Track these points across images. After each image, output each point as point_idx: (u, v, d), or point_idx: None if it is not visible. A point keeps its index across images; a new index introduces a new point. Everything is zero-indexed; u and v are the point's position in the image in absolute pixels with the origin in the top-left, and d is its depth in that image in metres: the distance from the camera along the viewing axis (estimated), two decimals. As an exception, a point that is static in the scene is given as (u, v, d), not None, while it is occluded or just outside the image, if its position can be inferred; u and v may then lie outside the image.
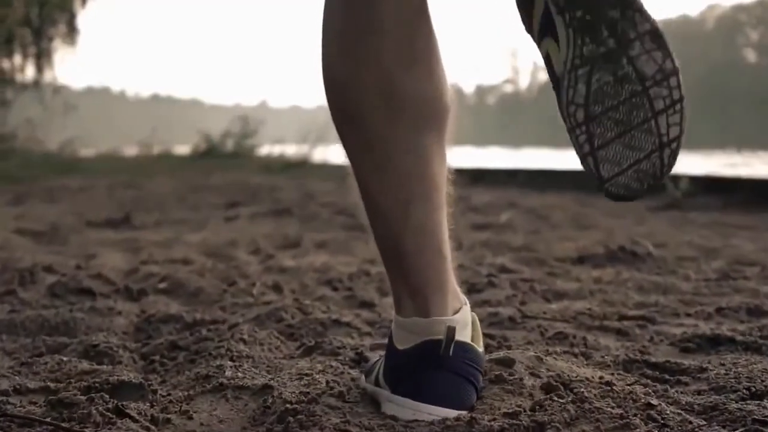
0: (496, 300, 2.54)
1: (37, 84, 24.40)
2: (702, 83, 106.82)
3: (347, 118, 1.62)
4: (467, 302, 1.67)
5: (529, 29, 1.58)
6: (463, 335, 1.59)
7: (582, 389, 1.55)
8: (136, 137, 22.00)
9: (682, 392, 1.66)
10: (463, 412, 1.52)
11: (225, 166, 15.24)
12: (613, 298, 2.62)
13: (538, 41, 1.57)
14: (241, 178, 12.12)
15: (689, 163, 11.03)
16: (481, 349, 1.63)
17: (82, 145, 21.61)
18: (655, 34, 1.50)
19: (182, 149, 20.71)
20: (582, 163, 1.52)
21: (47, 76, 25.12)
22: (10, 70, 24.55)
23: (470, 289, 2.77)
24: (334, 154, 16.76)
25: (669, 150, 1.51)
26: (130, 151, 21.58)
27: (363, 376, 1.75)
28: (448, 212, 1.64)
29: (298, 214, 6.36)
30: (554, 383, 1.61)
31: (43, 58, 24.81)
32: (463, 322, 1.60)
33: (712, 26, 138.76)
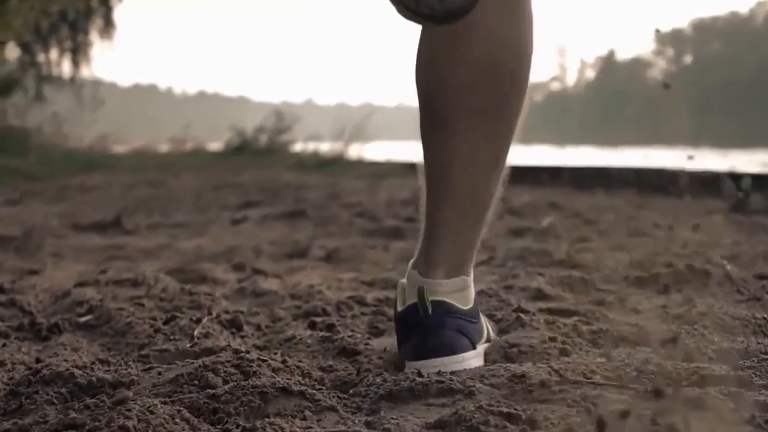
0: (524, 349, 1.81)
1: (72, 80, 24.02)
2: (752, 80, 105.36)
3: (440, 124, 1.73)
4: (471, 276, 1.85)
5: None
6: (451, 298, 1.76)
7: None
8: (174, 134, 21.51)
9: None
10: (460, 356, 1.71)
11: (257, 163, 14.62)
12: (688, 345, 1.89)
13: None
14: (271, 175, 11.49)
15: (749, 161, 10.30)
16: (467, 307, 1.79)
17: (116, 141, 21.16)
18: None
19: (217, 145, 20.20)
20: None
21: (84, 71, 24.76)
22: (46, 64, 24.17)
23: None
24: (370, 150, 16.16)
25: None
26: (164, 147, 21.09)
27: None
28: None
29: (314, 216, 5.67)
30: None
31: (79, 53, 24.42)
32: (455, 288, 1.77)
33: (761, 23, 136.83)
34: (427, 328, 1.72)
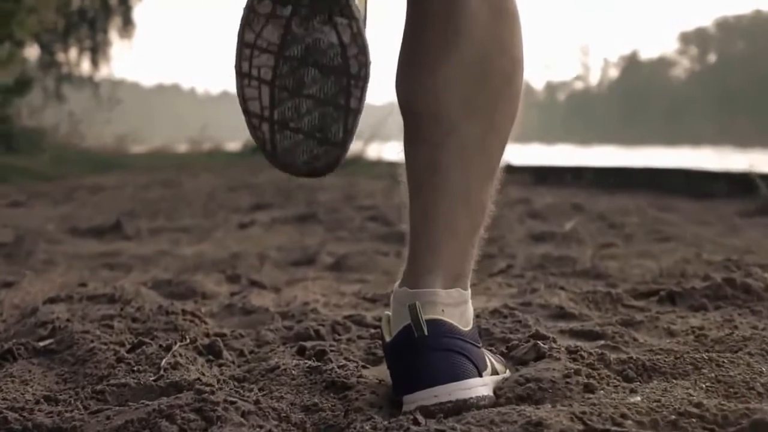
0: (542, 385, 1.54)
1: (91, 79, 23.87)
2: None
3: (422, 140, 1.62)
4: (469, 291, 1.64)
5: None
6: (448, 315, 1.55)
7: None
8: (193, 134, 21.33)
9: None
10: (465, 382, 1.49)
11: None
12: (733, 377, 1.62)
13: None
14: (287, 175, 11.22)
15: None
16: (467, 328, 1.58)
17: (134, 141, 21.00)
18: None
19: (235, 145, 19.99)
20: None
21: (103, 70, 24.63)
22: (66, 64, 24.02)
23: (505, 356, 1.80)
24: (389, 150, 15.87)
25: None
26: (182, 147, 20.90)
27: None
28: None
29: (325, 219, 5.41)
30: None
31: (98, 52, 24.28)
32: (451, 301, 1.56)
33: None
34: (422, 351, 1.50)
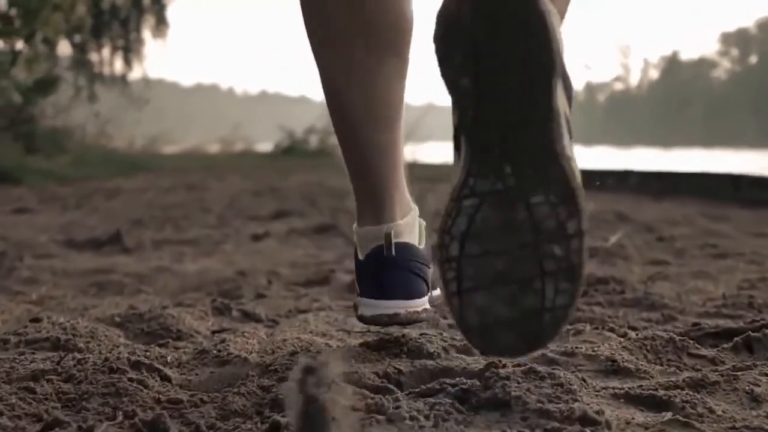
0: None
1: (124, 78, 23.64)
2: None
3: (327, 42, 1.76)
4: (416, 208, 1.94)
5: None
6: (410, 238, 1.86)
7: None
8: (225, 134, 21.06)
9: None
10: (416, 301, 1.83)
11: (306, 166, 13.99)
12: None
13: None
14: (317, 179, 10.83)
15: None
16: (422, 245, 1.88)
17: (166, 141, 20.75)
18: (566, 186, 1.32)
19: (266, 146, 19.67)
20: (446, 300, 1.41)
21: (136, 70, 24.43)
22: (98, 63, 23.80)
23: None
24: (424, 152, 15.42)
25: (550, 316, 1.33)
26: (214, 148, 20.61)
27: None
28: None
29: (347, 230, 4.96)
30: None
31: (131, 51, 24.06)
32: (409, 225, 1.86)
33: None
34: (388, 268, 1.82)
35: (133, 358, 1.74)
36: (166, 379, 1.71)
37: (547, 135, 1.33)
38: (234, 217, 6.00)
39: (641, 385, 1.69)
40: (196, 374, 1.78)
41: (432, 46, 1.36)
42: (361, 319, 1.84)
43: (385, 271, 1.81)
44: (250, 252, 4.33)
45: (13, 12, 13.56)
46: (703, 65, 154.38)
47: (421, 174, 10.77)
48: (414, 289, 1.83)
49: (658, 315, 2.55)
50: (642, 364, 1.81)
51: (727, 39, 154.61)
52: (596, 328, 2.12)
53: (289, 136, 17.93)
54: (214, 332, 2.24)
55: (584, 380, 1.67)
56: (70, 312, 2.58)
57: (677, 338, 1.95)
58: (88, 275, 3.64)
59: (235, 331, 2.13)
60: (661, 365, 1.85)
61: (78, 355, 1.75)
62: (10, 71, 13.01)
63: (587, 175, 5.74)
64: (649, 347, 1.91)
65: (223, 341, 1.97)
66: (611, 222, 5.57)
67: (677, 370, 1.82)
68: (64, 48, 21.45)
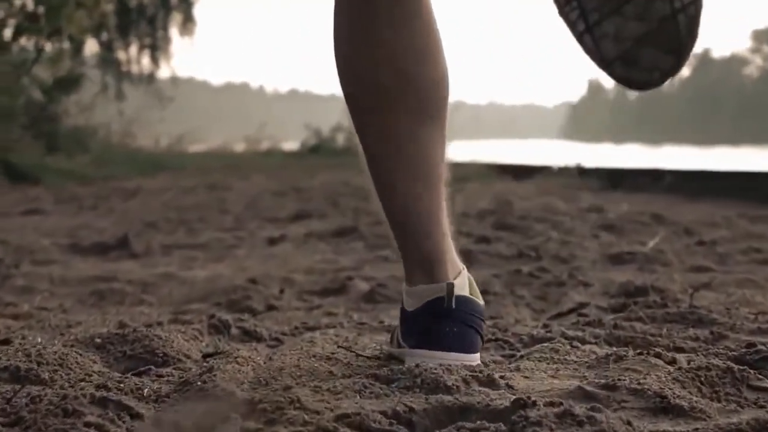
0: None
1: (151, 76, 23.51)
2: None
3: (366, 109, 1.75)
4: (464, 267, 1.83)
5: None
6: (463, 292, 1.78)
7: None
8: (251, 133, 20.87)
9: None
10: (472, 356, 1.76)
11: (332, 164, 13.74)
12: None
13: None
14: (343, 178, 10.57)
15: None
16: (480, 302, 1.82)
17: (193, 140, 20.58)
18: None
19: (293, 145, 19.46)
20: (580, 44, 1.44)
21: (163, 68, 24.29)
22: (126, 61, 23.66)
23: None
24: (453, 150, 15.15)
25: (684, 16, 1.38)
26: (241, 147, 20.41)
27: (389, 343, 1.97)
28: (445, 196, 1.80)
29: (368, 234, 4.70)
30: None
31: (158, 49, 23.92)
32: (462, 283, 1.79)
33: None
34: (451, 321, 1.76)
35: (99, 394, 1.49)
36: (136, 417, 1.46)
37: None
38: (251, 219, 5.76)
39: (697, 429, 1.42)
40: (175, 411, 1.52)
41: None
42: (409, 371, 1.68)
43: (442, 323, 1.76)
44: (265, 257, 4.09)
45: (39, 10, 13.41)
46: (735, 63, 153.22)
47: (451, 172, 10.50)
48: (471, 343, 1.78)
49: (706, 332, 2.27)
50: (696, 401, 1.54)
51: (759, 36, 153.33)
52: (640, 353, 1.84)
53: (316, 135, 17.72)
54: (205, 356, 1.98)
55: (629, 423, 1.40)
56: (51, 330, 2.33)
57: (736, 368, 1.67)
58: (88, 283, 3.41)
59: (229, 356, 1.86)
60: (719, 401, 1.58)
61: (35, 390, 1.49)
62: (31, 69, 12.83)
63: (620, 174, 5.40)
64: (703, 378, 1.64)
65: (210, 369, 1.71)
66: (647, 224, 5.29)
67: (738, 407, 1.55)
68: (91, 46, 21.35)
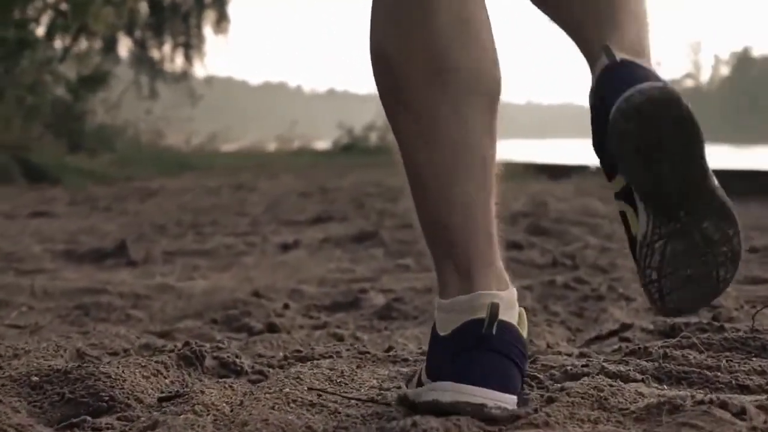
0: None
1: (185, 74, 23.31)
2: None
3: (398, 92, 1.57)
4: (513, 287, 1.58)
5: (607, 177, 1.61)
6: (508, 316, 1.53)
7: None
8: (282, 132, 20.65)
9: None
10: (508, 396, 1.46)
11: (365, 164, 13.41)
12: None
13: (610, 179, 1.59)
14: (373, 178, 10.24)
15: None
16: (524, 333, 1.57)
17: (224, 139, 20.38)
18: (723, 208, 1.55)
19: (325, 144, 19.20)
20: (650, 302, 1.60)
21: (197, 67, 24.12)
22: (160, 60, 23.45)
23: None
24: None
25: (725, 283, 1.60)
26: (271, 146, 20.17)
27: (404, 385, 1.70)
28: (495, 196, 1.58)
29: (389, 240, 4.34)
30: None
31: (192, 47, 23.70)
32: (509, 301, 1.54)
33: None
34: (490, 350, 1.48)
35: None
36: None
37: (706, 185, 1.53)
38: (268, 222, 5.43)
39: None
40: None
41: (608, 142, 1.50)
42: (435, 405, 1.43)
43: (480, 352, 1.48)
44: (274, 265, 3.75)
45: (64, 7, 13.20)
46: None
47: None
48: (511, 380, 1.50)
49: (771, 361, 1.90)
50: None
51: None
52: (700, 402, 1.45)
53: (348, 134, 17.42)
54: (161, 399, 1.61)
55: None
56: (-6, 359, 1.97)
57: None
58: (73, 296, 3.08)
59: (189, 400, 1.51)
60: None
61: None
62: (57, 67, 12.59)
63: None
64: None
65: (155, 425, 1.35)
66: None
67: None
68: (125, 44, 21.20)
